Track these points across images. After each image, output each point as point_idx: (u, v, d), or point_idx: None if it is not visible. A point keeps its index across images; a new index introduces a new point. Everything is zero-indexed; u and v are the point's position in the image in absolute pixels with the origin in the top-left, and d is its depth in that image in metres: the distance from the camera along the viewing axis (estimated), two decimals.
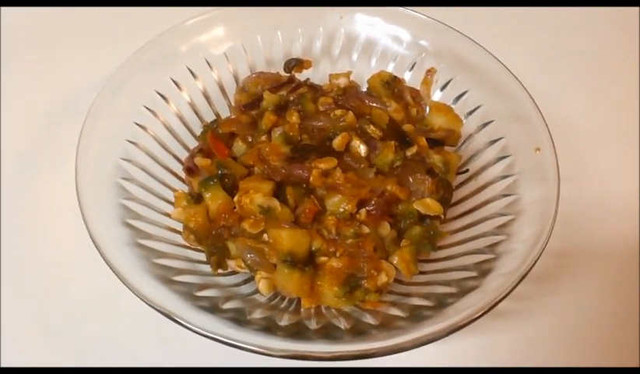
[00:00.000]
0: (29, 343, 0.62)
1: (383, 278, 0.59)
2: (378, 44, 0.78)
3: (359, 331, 0.53)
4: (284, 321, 0.55)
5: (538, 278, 0.64)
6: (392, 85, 0.73)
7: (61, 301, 0.65)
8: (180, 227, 0.63)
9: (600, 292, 0.67)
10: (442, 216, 0.64)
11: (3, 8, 0.92)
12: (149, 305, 0.50)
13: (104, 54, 0.73)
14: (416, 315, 0.54)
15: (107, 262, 0.52)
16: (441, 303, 0.55)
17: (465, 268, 0.59)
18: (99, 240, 0.54)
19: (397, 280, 0.62)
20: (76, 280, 0.66)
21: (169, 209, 0.65)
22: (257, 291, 0.61)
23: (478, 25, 0.77)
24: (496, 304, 0.51)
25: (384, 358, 0.49)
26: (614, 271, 0.69)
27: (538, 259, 0.54)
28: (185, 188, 0.68)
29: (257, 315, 0.55)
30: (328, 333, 0.53)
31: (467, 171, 0.70)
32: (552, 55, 0.92)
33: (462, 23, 0.75)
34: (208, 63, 0.76)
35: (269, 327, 0.53)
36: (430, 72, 0.75)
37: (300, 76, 0.77)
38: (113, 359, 0.61)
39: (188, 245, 0.62)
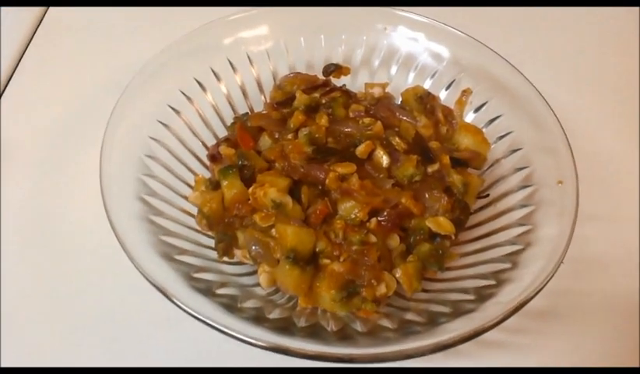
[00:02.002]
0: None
1: (382, 289, 0.59)
2: (417, 59, 0.78)
3: (344, 335, 0.53)
4: (274, 314, 0.55)
5: (540, 314, 0.62)
6: (425, 100, 0.73)
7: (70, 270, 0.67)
8: (195, 211, 0.64)
9: (599, 343, 0.65)
10: (453, 237, 0.63)
11: None
12: (144, 277, 0.52)
13: (146, 46, 0.76)
14: (405, 329, 0.53)
15: (114, 230, 0.54)
16: (432, 321, 0.54)
17: (464, 291, 0.58)
18: (111, 209, 0.56)
19: (398, 295, 0.61)
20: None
21: (188, 192, 0.66)
22: (257, 284, 0.61)
23: (477, 24, 0.78)
24: (485, 331, 0.50)
25: None
26: (615, 325, 0.66)
27: (537, 294, 0.53)
28: (208, 175, 0.69)
29: (249, 304, 0.56)
30: (314, 332, 0.53)
31: (488, 195, 0.69)
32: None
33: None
34: (249, 58, 0.78)
35: (257, 317, 0.54)
36: (466, 92, 0.74)
37: (338, 82, 0.78)
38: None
39: (200, 229, 0.64)
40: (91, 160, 0.61)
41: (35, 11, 0.96)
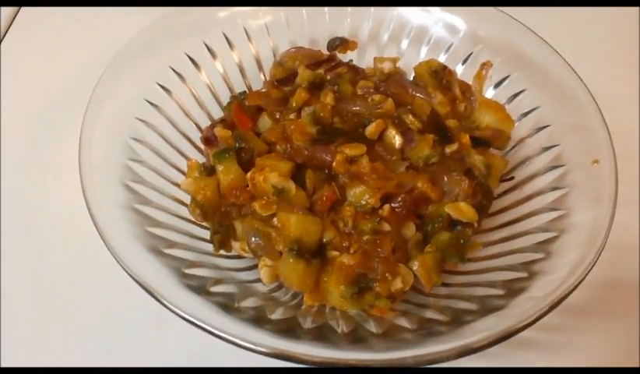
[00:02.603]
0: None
1: (398, 284, 0.53)
2: (430, 32, 0.72)
3: (357, 338, 0.48)
4: (276, 314, 0.49)
5: (575, 309, 0.56)
6: (440, 75, 0.67)
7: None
8: (188, 199, 0.58)
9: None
10: (475, 225, 0.57)
11: None
12: (128, 273, 0.45)
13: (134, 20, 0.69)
14: (426, 330, 0.47)
15: (94, 221, 0.48)
16: (456, 320, 0.48)
17: (492, 285, 0.52)
18: (90, 197, 0.50)
19: (415, 289, 0.56)
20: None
21: (180, 178, 0.60)
22: (258, 280, 0.56)
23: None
24: (519, 330, 0.44)
25: None
26: None
27: (576, 287, 0.46)
28: (202, 160, 0.63)
29: (247, 303, 0.49)
30: (322, 335, 0.48)
31: (513, 178, 0.63)
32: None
33: None
34: (247, 33, 0.72)
35: (258, 318, 0.48)
36: (486, 65, 0.69)
37: (344, 58, 0.72)
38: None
39: (193, 219, 0.58)
40: (73, 145, 0.55)
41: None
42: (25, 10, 0.88)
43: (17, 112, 0.75)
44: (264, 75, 0.73)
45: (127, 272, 0.46)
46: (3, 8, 0.87)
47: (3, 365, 0.56)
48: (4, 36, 0.84)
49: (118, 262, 0.46)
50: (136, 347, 0.57)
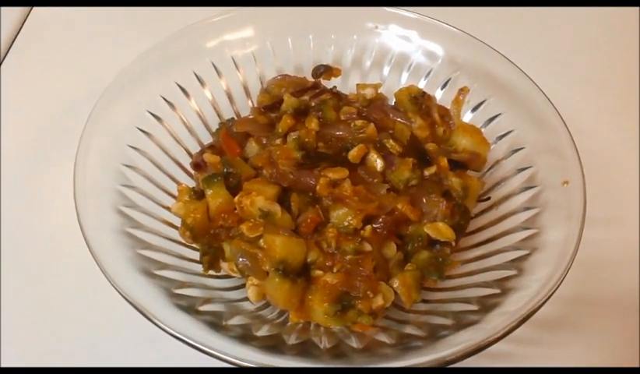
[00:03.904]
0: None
1: (379, 301, 0.55)
2: (411, 59, 0.75)
3: (338, 353, 0.49)
4: (262, 331, 0.51)
5: (547, 322, 0.59)
6: (420, 101, 0.69)
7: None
8: (178, 222, 0.60)
9: (610, 350, 0.61)
10: (453, 243, 0.59)
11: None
12: (120, 294, 0.48)
13: (126, 49, 0.71)
14: (404, 344, 0.49)
15: (88, 244, 0.51)
16: (433, 334, 0.50)
17: (467, 301, 0.54)
18: (85, 221, 0.52)
19: (397, 306, 0.58)
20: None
21: (171, 202, 0.62)
22: (246, 299, 0.57)
23: (472, 24, 0.74)
24: (490, 344, 0.46)
25: None
26: (627, 330, 0.62)
27: (545, 302, 0.49)
28: (192, 184, 0.65)
29: (234, 321, 0.52)
30: (306, 350, 0.50)
31: (489, 198, 0.65)
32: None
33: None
34: (234, 61, 0.74)
35: (244, 336, 0.50)
36: (463, 91, 0.71)
37: (328, 84, 0.74)
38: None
39: (183, 241, 0.60)
40: (67, 170, 0.57)
41: (16, 12, 0.92)
42: (18, 41, 0.90)
43: (12, 140, 0.77)
44: (251, 102, 0.75)
45: (119, 293, 0.48)
46: None
47: (3, 365, 0.57)
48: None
49: (111, 283, 0.48)
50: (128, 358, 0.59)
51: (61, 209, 0.58)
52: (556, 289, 0.50)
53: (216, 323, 0.50)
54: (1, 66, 0.86)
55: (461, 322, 0.51)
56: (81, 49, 0.89)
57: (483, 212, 0.65)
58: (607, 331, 0.62)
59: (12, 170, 0.74)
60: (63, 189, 0.57)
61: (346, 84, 0.77)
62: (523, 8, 0.96)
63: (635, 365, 0.59)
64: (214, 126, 0.71)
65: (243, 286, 0.59)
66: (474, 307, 0.52)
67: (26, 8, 0.93)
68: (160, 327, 0.46)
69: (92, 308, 0.62)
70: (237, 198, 0.59)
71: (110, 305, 0.55)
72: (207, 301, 0.54)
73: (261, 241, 0.56)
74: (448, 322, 0.52)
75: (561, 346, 0.61)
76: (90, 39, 0.89)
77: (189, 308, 0.51)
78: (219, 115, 0.73)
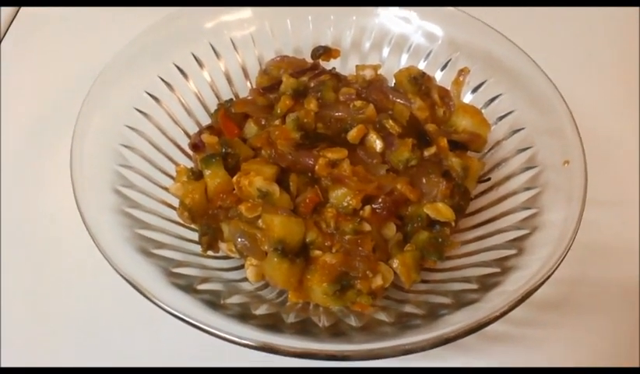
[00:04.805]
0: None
1: (378, 281, 0.55)
2: (410, 40, 0.74)
3: (337, 331, 0.49)
4: (261, 310, 0.51)
5: (548, 304, 0.59)
6: (419, 81, 0.69)
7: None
8: (176, 203, 0.60)
9: (610, 334, 0.61)
10: (453, 224, 0.59)
11: None
12: (117, 272, 0.47)
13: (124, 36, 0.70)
14: (403, 323, 0.49)
15: (85, 223, 0.50)
16: (433, 313, 0.50)
17: (466, 280, 0.54)
18: (82, 200, 0.52)
19: (396, 287, 0.58)
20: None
21: (168, 183, 0.62)
22: (244, 279, 0.57)
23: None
24: (489, 322, 0.46)
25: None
26: (627, 314, 0.62)
27: (545, 281, 0.48)
28: (190, 165, 0.65)
29: (233, 300, 0.51)
30: (305, 329, 0.50)
31: (489, 179, 0.65)
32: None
33: None
34: (233, 43, 0.74)
35: (243, 315, 0.50)
36: (463, 72, 0.71)
37: (327, 66, 0.74)
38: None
39: (181, 221, 0.60)
40: (65, 151, 0.57)
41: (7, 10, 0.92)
42: (15, 24, 0.90)
43: (8, 122, 0.76)
44: (250, 84, 0.75)
45: (118, 272, 0.48)
46: None
47: (3, 365, 0.57)
48: None
49: (110, 263, 0.48)
50: (123, 346, 0.59)
51: (60, 189, 0.58)
52: (556, 268, 0.50)
53: (214, 302, 0.50)
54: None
55: (461, 301, 0.51)
56: (76, 38, 0.88)
57: (483, 193, 0.65)
58: (607, 312, 0.62)
59: (10, 152, 0.73)
60: (61, 170, 0.56)
61: (345, 66, 0.77)
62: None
63: (635, 365, 0.59)
64: (212, 108, 0.71)
65: (242, 267, 0.59)
66: (474, 286, 0.52)
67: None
68: (158, 306, 0.46)
69: (91, 288, 0.61)
70: (235, 178, 0.58)
71: (109, 286, 0.55)
72: (205, 280, 0.53)
73: (259, 221, 0.56)
74: (447, 301, 0.52)
75: (560, 327, 0.61)
76: (86, 26, 0.89)
77: (187, 287, 0.50)
78: (217, 97, 0.72)
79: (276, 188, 0.57)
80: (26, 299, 0.62)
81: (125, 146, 0.61)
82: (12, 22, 0.90)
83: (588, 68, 0.86)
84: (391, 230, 0.59)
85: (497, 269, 0.53)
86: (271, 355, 0.45)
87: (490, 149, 0.67)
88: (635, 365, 0.59)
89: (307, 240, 0.56)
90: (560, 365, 0.58)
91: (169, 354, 0.58)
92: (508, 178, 0.63)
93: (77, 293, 0.62)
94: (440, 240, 0.58)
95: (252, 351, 0.45)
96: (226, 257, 0.60)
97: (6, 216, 0.67)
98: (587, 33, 0.91)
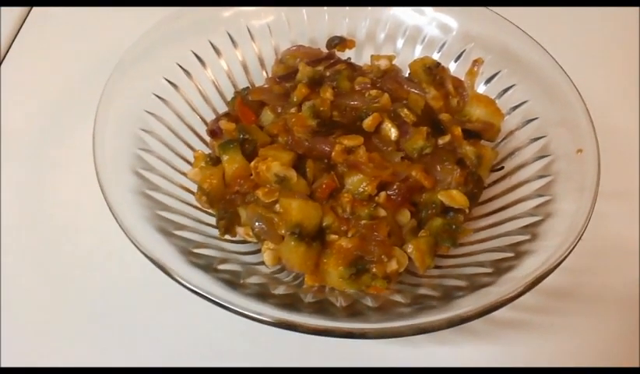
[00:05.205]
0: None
1: (393, 265, 0.56)
2: (424, 31, 0.75)
3: (354, 311, 0.50)
4: (279, 290, 0.52)
5: (559, 292, 0.60)
6: (434, 71, 0.70)
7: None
8: (194, 187, 0.61)
9: (617, 326, 0.62)
10: (467, 211, 0.60)
11: None
12: (140, 250, 0.48)
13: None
14: (419, 304, 0.50)
15: (108, 203, 0.51)
16: (447, 295, 0.51)
17: (480, 264, 0.55)
18: (104, 182, 0.53)
19: (410, 272, 0.58)
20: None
21: (186, 168, 0.63)
22: (261, 263, 0.58)
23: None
24: (501, 305, 0.47)
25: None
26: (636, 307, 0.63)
27: (557, 266, 0.49)
28: (207, 151, 0.66)
29: (252, 280, 0.52)
30: (322, 308, 0.50)
31: (502, 168, 0.66)
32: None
33: None
34: (250, 32, 0.75)
35: (262, 294, 0.51)
36: (477, 62, 0.71)
37: (342, 56, 0.75)
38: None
39: (199, 206, 0.61)
40: (87, 136, 0.58)
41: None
42: (36, 10, 0.91)
43: (34, 108, 0.77)
44: (266, 72, 0.75)
45: (140, 249, 0.49)
46: (15, 8, 0.90)
47: (3, 365, 0.57)
48: (17, 34, 0.87)
49: (132, 240, 0.49)
50: (145, 329, 0.60)
51: (83, 173, 0.59)
52: (568, 254, 0.50)
53: (233, 282, 0.51)
54: (17, 37, 0.87)
55: (475, 285, 0.51)
56: (98, 21, 0.89)
57: (496, 181, 0.65)
58: (616, 303, 0.63)
59: (34, 136, 0.75)
60: (84, 154, 0.57)
61: (360, 57, 0.77)
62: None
63: (635, 365, 0.59)
64: (229, 95, 0.72)
65: (258, 251, 0.60)
66: (488, 270, 0.53)
67: None
68: (179, 282, 0.47)
69: (111, 267, 0.63)
70: (253, 163, 0.59)
71: (129, 266, 0.56)
72: (224, 261, 0.54)
73: (276, 206, 0.57)
74: (462, 284, 0.52)
75: (569, 315, 0.61)
76: (103, 16, 0.90)
77: (207, 266, 0.51)
78: (234, 85, 0.73)
79: (293, 174, 0.58)
80: (47, 279, 0.63)
81: (145, 131, 0.62)
82: (25, 17, 0.91)
83: (600, 60, 0.86)
84: (405, 216, 0.60)
85: (511, 254, 0.54)
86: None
87: (504, 139, 0.68)
88: (635, 365, 0.59)
89: (324, 224, 0.57)
90: (567, 349, 0.59)
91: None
92: (520, 166, 0.64)
93: (97, 270, 0.63)
94: (454, 226, 0.59)
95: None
96: (244, 241, 0.61)
97: (27, 201, 0.68)
98: (601, 28, 0.92)
